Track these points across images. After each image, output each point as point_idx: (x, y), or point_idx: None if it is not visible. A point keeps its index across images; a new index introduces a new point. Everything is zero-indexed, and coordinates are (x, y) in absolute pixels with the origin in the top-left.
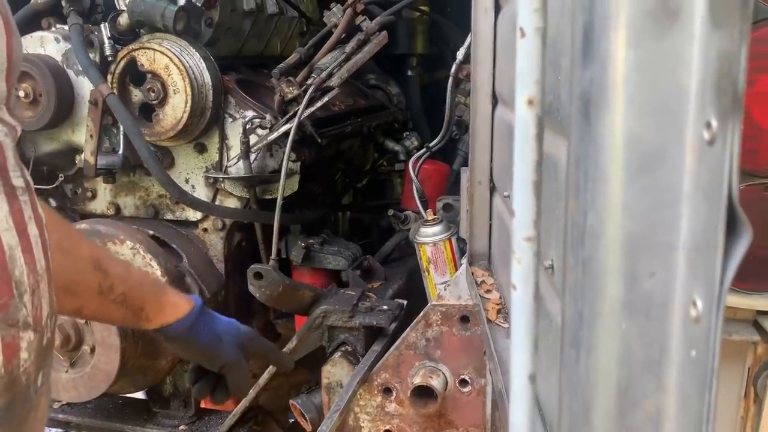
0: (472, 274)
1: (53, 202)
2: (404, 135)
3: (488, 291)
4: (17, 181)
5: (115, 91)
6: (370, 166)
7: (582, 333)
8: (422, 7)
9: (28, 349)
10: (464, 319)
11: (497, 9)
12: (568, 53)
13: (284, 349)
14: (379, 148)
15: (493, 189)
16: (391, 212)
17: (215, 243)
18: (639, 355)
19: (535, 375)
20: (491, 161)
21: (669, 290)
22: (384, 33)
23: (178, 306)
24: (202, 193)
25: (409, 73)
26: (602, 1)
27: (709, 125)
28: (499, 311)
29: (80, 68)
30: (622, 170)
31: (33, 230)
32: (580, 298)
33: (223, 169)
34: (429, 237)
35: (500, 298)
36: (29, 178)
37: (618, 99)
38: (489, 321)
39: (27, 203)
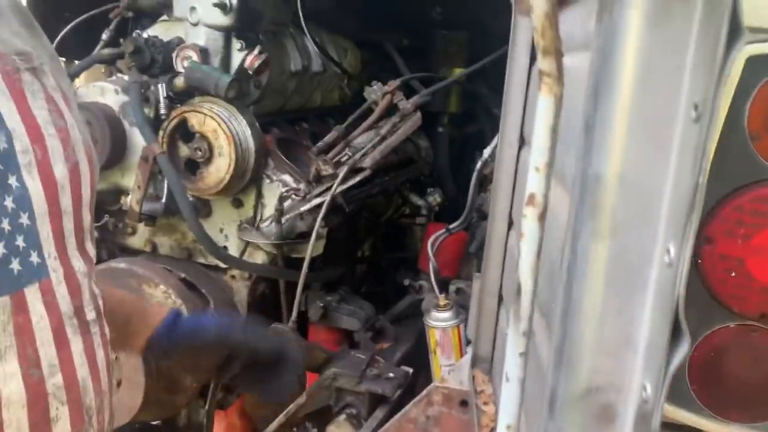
0: (473, 378)
1: (95, 234)
2: (428, 191)
3: (486, 403)
4: (90, 315)
5: (164, 146)
6: (392, 213)
7: None
8: (458, 69)
9: None
10: (464, 403)
11: (521, 145)
12: None
13: (293, 404)
14: (402, 199)
15: (500, 301)
16: (407, 282)
17: (240, 290)
18: None
19: None
20: (502, 277)
21: None
22: (418, 115)
23: (161, 312)
24: (234, 242)
25: (440, 129)
26: None
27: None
28: (492, 429)
29: (134, 121)
30: None
31: (100, 355)
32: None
33: (256, 225)
34: (439, 322)
35: (495, 413)
36: (100, 303)
37: None
38: None
39: (97, 333)
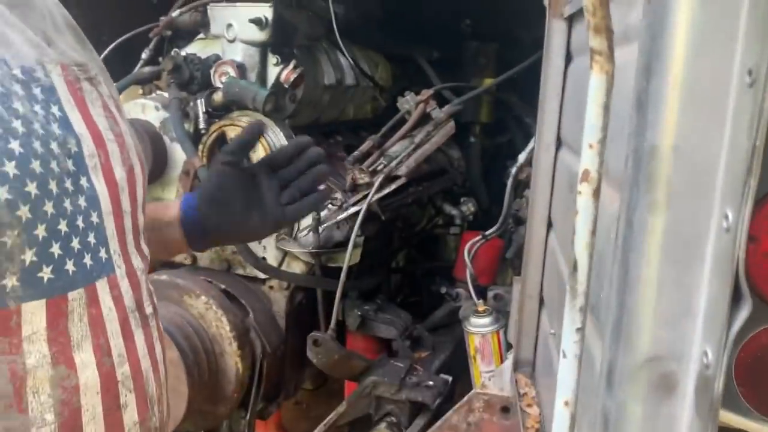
0: (516, 382)
1: None
2: (461, 200)
3: (529, 405)
4: (148, 309)
5: (204, 160)
6: (425, 223)
7: None
8: (488, 80)
9: None
10: (505, 410)
11: (558, 147)
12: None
13: (334, 412)
14: (436, 209)
15: (541, 303)
16: (444, 290)
17: (279, 300)
18: None
19: None
20: (542, 279)
21: None
22: (451, 123)
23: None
24: (272, 253)
25: (472, 139)
26: None
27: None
28: (537, 430)
29: (175, 136)
30: None
31: (158, 347)
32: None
33: (294, 235)
34: (478, 328)
35: (540, 415)
36: (155, 300)
37: None
38: None
39: (154, 327)
